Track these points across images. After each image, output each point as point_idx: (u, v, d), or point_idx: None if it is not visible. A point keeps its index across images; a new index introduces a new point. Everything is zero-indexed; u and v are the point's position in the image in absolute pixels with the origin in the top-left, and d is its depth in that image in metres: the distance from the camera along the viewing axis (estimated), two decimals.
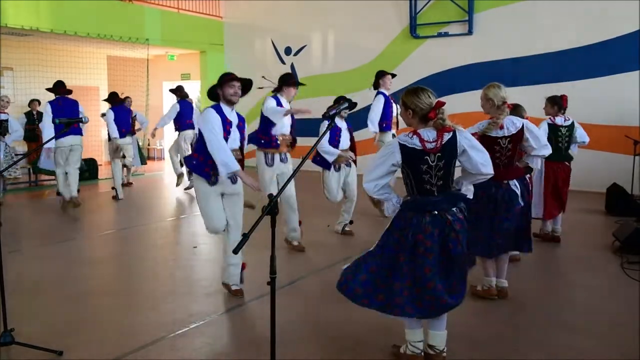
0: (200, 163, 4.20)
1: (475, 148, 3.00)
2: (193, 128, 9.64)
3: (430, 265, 2.91)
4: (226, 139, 4.11)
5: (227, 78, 4.20)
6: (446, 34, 10.97)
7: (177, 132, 9.91)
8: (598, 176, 9.08)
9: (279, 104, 5.48)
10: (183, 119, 9.70)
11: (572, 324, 3.85)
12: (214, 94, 4.23)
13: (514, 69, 10.05)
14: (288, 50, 13.25)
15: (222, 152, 4.00)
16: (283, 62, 13.30)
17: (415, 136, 2.95)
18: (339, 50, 12.50)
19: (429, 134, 2.94)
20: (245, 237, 2.26)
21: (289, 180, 2.79)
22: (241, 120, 4.36)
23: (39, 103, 11.77)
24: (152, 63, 13.46)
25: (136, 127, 10.14)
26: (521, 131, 4.09)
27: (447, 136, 2.93)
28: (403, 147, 2.94)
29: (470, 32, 10.66)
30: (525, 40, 10.05)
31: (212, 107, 4.19)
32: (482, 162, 3.00)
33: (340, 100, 5.98)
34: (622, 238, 5.65)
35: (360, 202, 6.73)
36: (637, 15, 8.99)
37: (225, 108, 4.20)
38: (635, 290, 4.53)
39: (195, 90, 14.77)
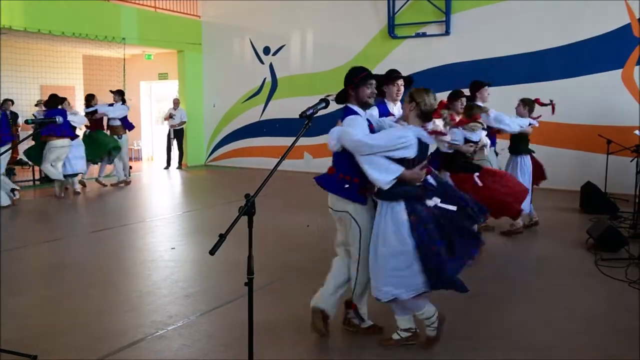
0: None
1: None
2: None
3: None
4: None
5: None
6: (424, 35, 11.05)
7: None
8: (573, 174, 9.25)
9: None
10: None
11: (547, 319, 3.92)
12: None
13: (492, 69, 10.16)
14: (267, 50, 13.21)
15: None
16: (262, 62, 13.26)
17: None
18: (317, 50, 12.50)
19: None
20: (222, 238, 2.25)
21: (268, 177, 2.75)
22: None
23: (12, 103, 11.57)
24: (129, 62, 13.30)
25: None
26: None
27: None
28: None
29: (447, 33, 10.75)
30: (502, 41, 10.17)
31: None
32: None
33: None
34: (595, 235, 5.75)
35: None
36: (613, 15, 9.17)
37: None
38: (608, 287, 4.63)
39: (173, 90, 14.65)
